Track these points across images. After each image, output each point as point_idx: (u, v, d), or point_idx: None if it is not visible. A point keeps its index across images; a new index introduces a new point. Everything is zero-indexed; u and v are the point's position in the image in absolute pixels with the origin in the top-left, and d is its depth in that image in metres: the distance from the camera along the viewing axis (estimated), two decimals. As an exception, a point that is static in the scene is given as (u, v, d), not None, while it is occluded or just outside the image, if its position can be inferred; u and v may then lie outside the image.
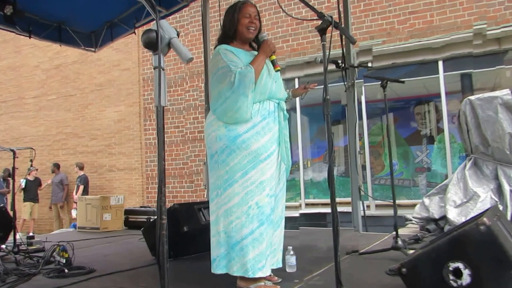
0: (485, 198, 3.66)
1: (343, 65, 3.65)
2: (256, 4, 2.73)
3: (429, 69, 6.81)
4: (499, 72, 6.47)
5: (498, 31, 6.33)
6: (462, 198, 3.84)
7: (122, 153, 9.66)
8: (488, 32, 6.36)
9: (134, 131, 9.52)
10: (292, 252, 2.70)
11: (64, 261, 3.18)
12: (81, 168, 9.55)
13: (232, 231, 2.28)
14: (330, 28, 1.96)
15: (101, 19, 5.68)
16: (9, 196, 8.67)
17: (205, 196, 6.14)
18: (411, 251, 2.77)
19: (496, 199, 3.66)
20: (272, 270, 2.46)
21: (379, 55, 7.06)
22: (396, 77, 5.61)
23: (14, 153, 4.01)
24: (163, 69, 1.51)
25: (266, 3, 7.84)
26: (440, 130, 6.91)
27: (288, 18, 7.63)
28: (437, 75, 6.73)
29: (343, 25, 4.21)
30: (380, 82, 3.26)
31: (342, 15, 4.59)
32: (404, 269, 1.98)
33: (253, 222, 2.25)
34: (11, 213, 4.08)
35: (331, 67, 2.69)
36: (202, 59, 5.90)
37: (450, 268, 1.84)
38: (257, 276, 2.24)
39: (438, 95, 6.75)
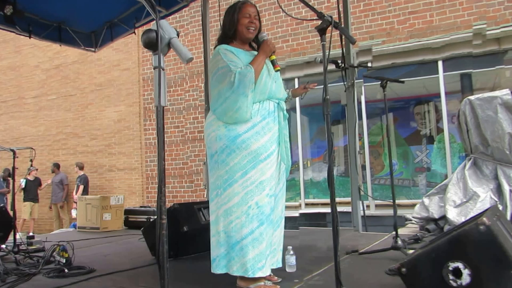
0: (484, 198, 3.66)
1: (343, 65, 3.66)
2: (256, 4, 2.74)
3: (428, 69, 6.81)
4: (498, 72, 6.47)
5: (498, 31, 6.33)
6: (462, 198, 3.84)
7: (122, 153, 9.66)
8: (488, 32, 6.36)
9: (134, 131, 9.52)
10: (292, 252, 2.70)
11: (64, 261, 3.18)
12: (81, 168, 9.55)
13: (232, 231, 2.28)
14: (330, 28, 1.96)
15: (101, 19, 5.68)
16: (9, 196, 8.67)
17: (205, 196, 6.15)
18: (411, 251, 2.77)
19: (496, 199, 3.66)
20: (272, 270, 2.46)
21: (379, 55, 7.06)
22: (396, 77, 5.62)
23: (14, 153, 4.01)
24: (163, 69, 1.51)
25: (266, 3, 7.85)
26: (439, 130, 6.91)
27: (288, 18, 7.63)
28: (436, 75, 6.73)
29: (343, 25, 4.20)
30: (379, 82, 3.26)
31: (342, 15, 4.59)
32: (403, 269, 1.99)
33: (253, 222, 2.25)
34: (11, 213, 4.08)
35: (331, 67, 2.69)
36: (202, 59, 5.90)
37: (450, 268, 1.84)
38: (257, 276, 2.24)
39: (438, 95, 6.75)
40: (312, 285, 2.46)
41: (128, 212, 6.17)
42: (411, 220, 4.34)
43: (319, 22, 1.98)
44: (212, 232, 2.40)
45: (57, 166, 9.91)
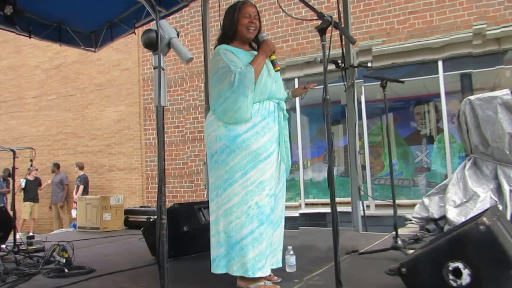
0: (484, 198, 3.67)
1: (343, 65, 3.65)
2: (256, 4, 2.74)
3: (428, 69, 6.81)
4: (498, 72, 6.47)
5: (498, 31, 6.33)
6: (462, 198, 3.84)
7: (122, 153, 9.66)
8: (488, 32, 6.36)
9: (134, 131, 9.52)
10: (292, 252, 2.70)
11: (64, 261, 3.18)
12: (81, 168, 9.55)
13: (232, 231, 2.28)
14: (330, 28, 1.96)
15: (101, 19, 5.68)
16: (9, 196, 8.67)
17: (205, 196, 6.15)
18: (411, 251, 2.77)
19: (496, 199, 3.67)
20: (272, 270, 2.46)
21: (379, 55, 7.06)
22: (396, 77, 5.61)
23: (14, 153, 4.01)
24: (163, 69, 1.52)
25: (266, 3, 7.85)
26: (439, 130, 6.91)
27: (288, 18, 7.63)
28: (436, 75, 6.73)
29: (343, 25, 4.21)
30: (379, 82, 3.26)
31: (342, 15, 4.59)
32: (403, 269, 1.99)
33: (253, 222, 2.25)
34: (11, 213, 4.08)
35: (331, 67, 2.69)
36: (202, 59, 5.90)
37: (450, 268, 1.84)
38: (257, 276, 2.24)
39: (438, 95, 6.75)
40: (312, 285, 2.46)
41: (128, 212, 6.17)
42: (411, 220, 4.34)
43: (319, 22, 1.98)
44: (212, 232, 2.40)
45: (57, 166, 9.91)
